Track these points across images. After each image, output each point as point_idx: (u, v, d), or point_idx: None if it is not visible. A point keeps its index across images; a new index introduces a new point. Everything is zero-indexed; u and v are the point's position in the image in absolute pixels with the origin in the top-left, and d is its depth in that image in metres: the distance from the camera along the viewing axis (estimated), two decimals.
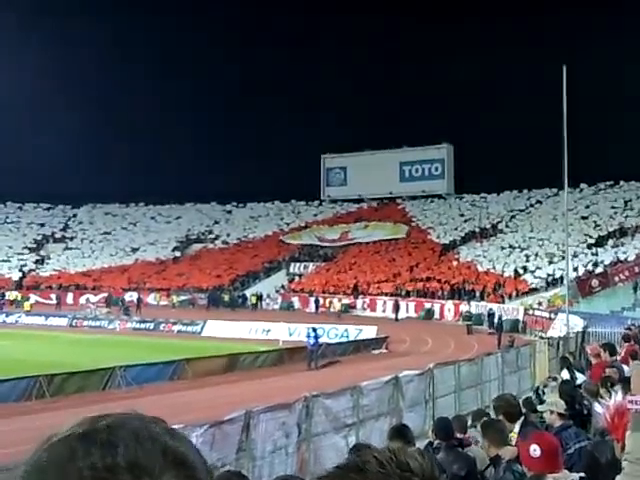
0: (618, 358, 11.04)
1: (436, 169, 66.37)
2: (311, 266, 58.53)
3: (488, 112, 63.97)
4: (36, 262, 65.30)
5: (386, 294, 48.30)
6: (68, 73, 68.27)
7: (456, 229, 59.49)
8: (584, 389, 8.46)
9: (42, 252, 67.68)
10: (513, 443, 5.31)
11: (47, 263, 65.43)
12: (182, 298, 53.84)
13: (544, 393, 11.10)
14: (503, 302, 41.26)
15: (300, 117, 69.56)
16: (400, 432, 5.78)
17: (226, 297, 53.07)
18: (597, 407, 3.07)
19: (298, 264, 59.43)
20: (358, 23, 71.53)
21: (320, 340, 25.32)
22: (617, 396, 3.16)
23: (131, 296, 51.50)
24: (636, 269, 39.78)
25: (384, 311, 45.70)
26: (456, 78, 66.33)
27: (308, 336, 24.98)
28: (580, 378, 11.27)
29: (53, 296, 54.13)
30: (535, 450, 4.67)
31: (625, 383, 6.14)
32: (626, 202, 53.94)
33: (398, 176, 67.69)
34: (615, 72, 56.01)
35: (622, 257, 42.91)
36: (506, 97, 62.78)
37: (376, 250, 58.62)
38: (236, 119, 73.32)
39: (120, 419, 0.86)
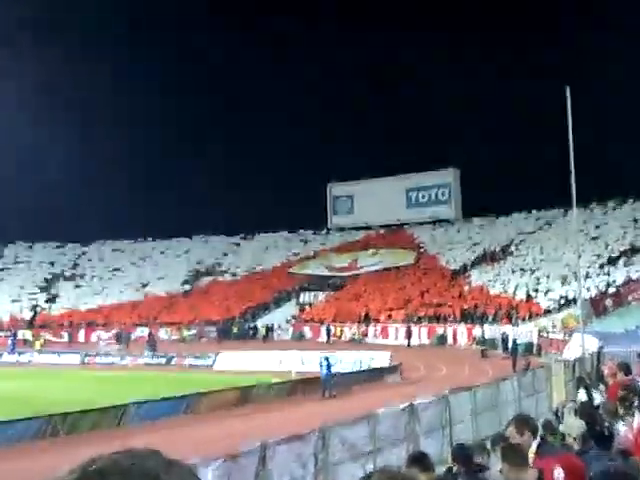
0: (635, 376, 10.92)
1: (443, 194, 66.43)
2: (321, 295, 58.42)
3: (493, 134, 64.26)
4: (47, 301, 65.47)
5: (398, 321, 48.04)
6: (74, 112, 69.09)
7: (466, 253, 59.30)
8: (603, 409, 8.37)
9: (52, 290, 67.89)
10: (531, 462, 5.22)
11: (58, 301, 65.57)
12: (193, 332, 53.72)
13: (563, 415, 10.96)
14: (517, 325, 40.96)
15: (305, 146, 69.98)
16: (418, 459, 5.70)
17: (235, 329, 52.99)
18: (620, 426, 3.02)
19: (308, 293, 59.34)
20: (359, 51, 72.42)
21: (333, 369, 25.13)
22: (636, 420, 3.10)
23: (142, 331, 51.42)
24: None
25: (396, 338, 45.44)
26: (458, 101, 66.73)
27: (321, 365, 24.82)
28: (597, 398, 11.15)
29: (64, 334, 54.10)
30: (559, 474, 4.56)
31: None
32: (636, 220, 53.70)
33: (405, 202, 67.77)
34: (619, 88, 56.18)
35: (634, 276, 42.59)
36: (510, 118, 63.08)
37: (386, 277, 58.47)
38: (241, 150, 73.88)
39: (111, 460, 0.85)
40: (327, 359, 25.10)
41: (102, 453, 0.90)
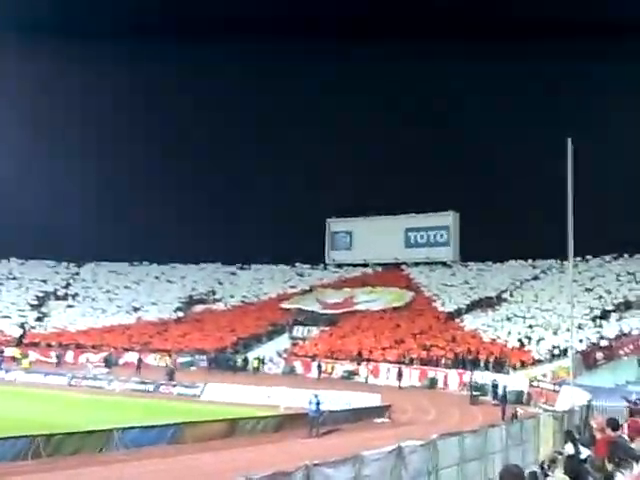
0: (622, 433, 10.91)
1: (441, 236, 66.74)
2: (315, 330, 58.18)
3: (493, 181, 64.61)
4: (37, 319, 65.04)
5: (390, 361, 47.82)
6: (73, 129, 69.36)
7: (462, 296, 59.33)
8: (590, 464, 8.34)
9: (43, 309, 67.51)
10: None
11: (48, 320, 65.11)
12: (184, 360, 53.29)
13: (549, 467, 10.90)
14: (507, 373, 40.80)
15: (305, 180, 70.34)
16: None
17: (233, 360, 52.96)
18: (619, 478, 3.06)
19: (301, 328, 59.07)
20: (359, 87, 73.07)
21: (322, 407, 24.96)
22: (635, 470, 3.17)
23: (132, 356, 51.07)
24: None
25: (387, 378, 45.14)
26: (462, 146, 67.29)
27: (310, 402, 24.66)
28: (585, 452, 11.14)
29: (53, 354, 53.71)
30: None
31: (635, 458, 6.07)
32: (631, 274, 53.93)
33: (403, 242, 68.01)
34: (619, 144, 56.76)
35: (627, 330, 42.63)
36: (511, 167, 63.44)
37: (380, 316, 58.35)
38: (242, 181, 74.13)
39: None
40: (317, 397, 24.95)
41: None
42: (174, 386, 36.04)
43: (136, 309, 67.13)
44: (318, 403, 24.58)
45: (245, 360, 53.22)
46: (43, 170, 62.86)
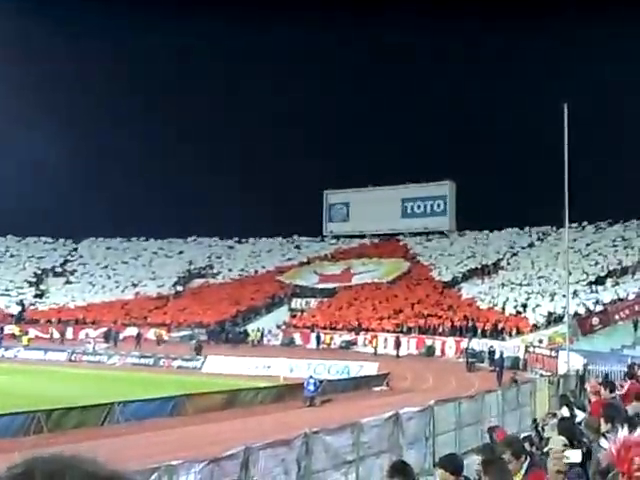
0: (618, 395, 11.03)
1: (438, 206, 66.68)
2: (313, 302, 58.44)
3: (490, 149, 64.55)
4: (35, 296, 65.13)
5: (388, 330, 48.14)
6: (68, 109, 68.91)
7: (458, 265, 59.49)
8: (585, 425, 8.42)
9: (42, 286, 67.57)
10: None
11: (47, 297, 65.26)
12: (183, 333, 53.54)
13: (544, 430, 11.06)
14: (504, 339, 41.12)
15: (302, 152, 70.07)
16: (399, 469, 5.77)
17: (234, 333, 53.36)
18: (603, 442, 3.11)
19: (300, 300, 59.32)
20: (359, 60, 72.64)
21: (320, 380, 25.15)
22: (623, 431, 3.23)
23: (131, 331, 51.25)
24: (636, 307, 39.75)
25: (385, 347, 45.48)
26: (458, 115, 67.07)
27: (307, 384, 24.85)
28: (580, 415, 11.25)
29: (52, 330, 53.92)
30: None
31: (629, 421, 6.13)
32: (626, 240, 54.03)
33: (400, 212, 67.98)
34: (616, 111, 56.56)
35: (622, 295, 42.87)
36: (508, 135, 63.38)
37: (378, 286, 58.57)
38: (239, 153, 73.83)
39: (44, 462, 0.90)
40: (314, 378, 25.32)
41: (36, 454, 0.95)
42: (174, 359, 36.26)
43: (134, 284, 67.21)
44: (315, 384, 24.84)
45: (244, 332, 53.54)
46: (40, 148, 62.47)
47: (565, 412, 11.60)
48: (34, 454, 0.97)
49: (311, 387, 24.63)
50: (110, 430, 18.80)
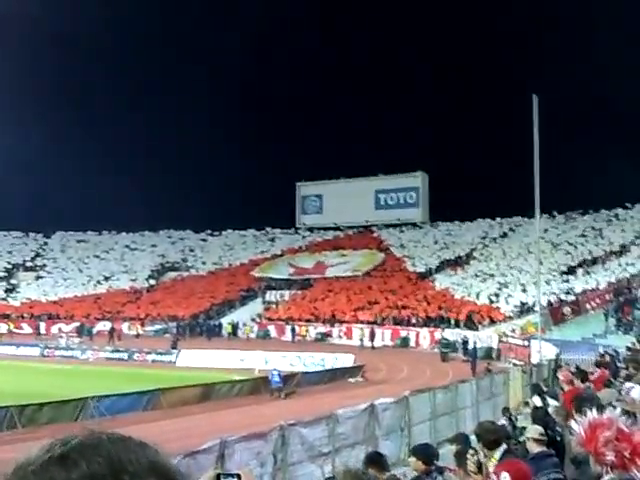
0: (589, 384, 11.21)
1: (411, 197, 66.94)
2: (287, 294, 58.45)
3: (461, 141, 65.05)
4: (6, 291, 64.22)
5: (362, 322, 48.35)
6: (40, 97, 67.89)
7: (431, 257, 59.91)
8: (555, 413, 8.54)
9: (12, 281, 66.65)
10: (492, 471, 5.22)
11: (18, 292, 64.37)
12: (156, 327, 53.25)
13: (517, 419, 11.22)
14: (477, 329, 41.54)
15: (275, 144, 69.93)
16: (374, 459, 5.83)
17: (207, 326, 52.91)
18: (573, 425, 3.20)
19: (274, 292, 59.29)
20: (332, 51, 72.56)
21: (282, 378, 25.25)
22: (592, 413, 3.34)
23: (105, 325, 50.85)
24: (607, 297, 40.44)
25: (361, 339, 45.69)
26: (429, 106, 67.29)
27: (272, 376, 24.96)
28: (552, 404, 11.39)
29: (24, 325, 53.22)
30: (505, 478, 4.74)
31: (599, 408, 6.22)
32: (596, 230, 54.86)
33: (374, 204, 68.15)
34: (584, 100, 57.25)
35: (593, 285, 43.56)
36: (478, 126, 63.85)
37: (352, 278, 58.75)
38: (211, 147, 73.37)
39: (79, 442, 0.91)
40: (276, 370, 25.47)
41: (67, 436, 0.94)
42: (148, 353, 36.05)
43: (107, 278, 66.61)
44: (280, 375, 25.00)
45: (219, 326, 53.38)
46: (10, 142, 61.48)
47: (537, 401, 11.77)
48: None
49: (276, 378, 24.73)
50: (84, 425, 18.63)
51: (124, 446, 0.91)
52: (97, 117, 70.43)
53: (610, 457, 3.01)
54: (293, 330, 48.92)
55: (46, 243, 73.81)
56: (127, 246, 73.14)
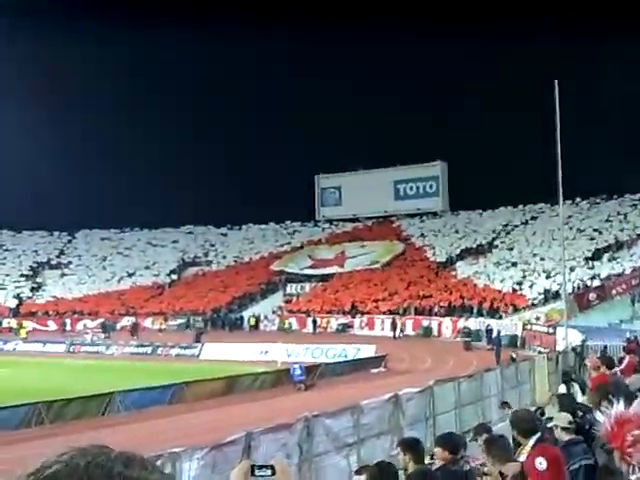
0: (617, 370, 11.06)
1: (430, 187, 66.59)
2: (308, 286, 58.49)
3: (481, 128, 64.22)
4: (32, 289, 65.01)
5: (384, 312, 48.24)
6: (59, 98, 68.25)
7: (452, 246, 59.54)
8: (587, 401, 8.41)
9: (38, 279, 67.45)
10: (524, 458, 5.16)
11: (43, 290, 65.16)
12: (179, 322, 53.59)
13: (544, 414, 11.06)
14: (501, 318, 41.26)
15: (293, 137, 69.73)
16: (412, 445, 5.71)
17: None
18: (599, 416, 3.13)
19: (295, 285, 59.37)
20: (351, 40, 72.06)
21: (304, 372, 25.21)
22: (619, 406, 3.18)
23: (128, 320, 51.26)
24: (633, 282, 39.88)
25: (382, 329, 45.61)
26: (448, 95, 66.74)
27: (294, 370, 24.94)
28: (579, 392, 11.24)
29: (50, 323, 53.79)
30: (541, 463, 4.65)
31: (628, 396, 6.08)
32: (621, 215, 54.08)
33: (393, 195, 67.86)
34: (609, 86, 56.37)
35: (619, 270, 42.98)
36: (498, 112, 63.05)
37: (373, 269, 58.62)
38: (228, 139, 73.45)
39: (65, 462, 0.86)
40: (298, 364, 25.48)
41: (50, 457, 0.91)
42: (172, 347, 36.26)
43: (130, 274, 67.19)
44: (301, 368, 25.00)
45: (240, 319, 53.58)
46: (31, 141, 62.18)
47: (563, 389, 11.62)
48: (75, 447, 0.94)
49: (298, 371, 24.74)
50: (111, 420, 18.83)
51: (101, 474, 0.85)
52: (119, 117, 70.78)
53: (637, 458, 2.89)
54: (314, 322, 48.94)
55: (70, 241, 74.56)
56: (149, 242, 73.68)
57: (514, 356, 25.05)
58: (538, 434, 5.56)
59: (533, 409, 12.20)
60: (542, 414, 10.64)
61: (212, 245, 72.61)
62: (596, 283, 41.74)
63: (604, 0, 55.60)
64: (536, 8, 62.35)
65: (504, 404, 12.82)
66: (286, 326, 49.12)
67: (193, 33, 69.68)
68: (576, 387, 12.24)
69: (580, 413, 7.18)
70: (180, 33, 69.49)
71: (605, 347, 24.29)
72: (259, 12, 68.66)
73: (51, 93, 66.54)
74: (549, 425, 6.86)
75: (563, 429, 6.07)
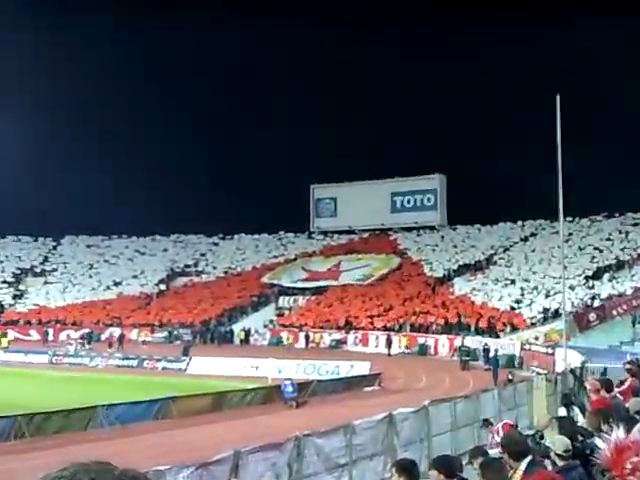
0: (616, 393, 10.69)
1: (428, 200, 65.98)
2: (301, 299, 57.75)
3: (481, 142, 63.93)
4: (14, 297, 63.69)
5: (378, 328, 47.62)
6: (46, 103, 67.71)
7: (449, 261, 58.85)
8: (587, 424, 8.19)
9: (21, 286, 66.09)
10: None
11: (26, 298, 63.82)
12: (165, 334, 52.72)
13: (542, 437, 10.52)
14: (498, 336, 40.64)
15: (288, 147, 69.31)
16: (407, 468, 5.36)
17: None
18: (598, 442, 2.87)
19: (287, 298, 58.56)
20: (345, 54, 72.03)
21: (296, 388, 24.58)
22: (619, 432, 3.07)
23: (113, 332, 50.42)
24: (634, 302, 39.33)
25: (376, 346, 44.94)
26: (447, 108, 66.53)
27: (285, 387, 24.29)
28: (579, 415, 10.91)
29: (33, 332, 52.86)
30: None
31: (628, 420, 5.72)
32: (622, 234, 53.59)
33: (390, 207, 67.25)
34: (609, 102, 56.23)
35: (620, 290, 42.44)
36: (499, 127, 62.91)
37: (368, 283, 57.96)
38: (223, 149, 73.03)
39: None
40: (290, 380, 24.87)
41: (52, 471, 0.87)
42: (158, 360, 35.51)
43: (117, 283, 66.06)
44: (293, 385, 24.39)
45: (230, 332, 52.79)
46: (18, 147, 61.49)
47: (562, 412, 11.22)
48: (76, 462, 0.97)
49: (289, 389, 24.12)
50: (94, 435, 18.35)
51: None
52: (109, 120, 70.19)
53: None
54: (307, 337, 48.27)
55: (55, 248, 73.25)
56: (137, 250, 72.61)
57: (510, 377, 24.50)
58: (530, 457, 5.43)
59: (532, 432, 11.67)
60: (542, 437, 10.13)
61: (202, 255, 71.62)
62: (596, 303, 41.17)
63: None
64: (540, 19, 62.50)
65: (485, 421, 12.35)
66: (288, 341, 48.09)
67: (194, 33, 69.69)
68: (576, 410, 11.92)
69: (580, 437, 6.92)
70: (177, 36, 69.57)
71: (605, 369, 23.75)
72: (257, 20, 68.49)
73: (34, 96, 65.97)
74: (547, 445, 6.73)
75: (558, 456, 5.95)
